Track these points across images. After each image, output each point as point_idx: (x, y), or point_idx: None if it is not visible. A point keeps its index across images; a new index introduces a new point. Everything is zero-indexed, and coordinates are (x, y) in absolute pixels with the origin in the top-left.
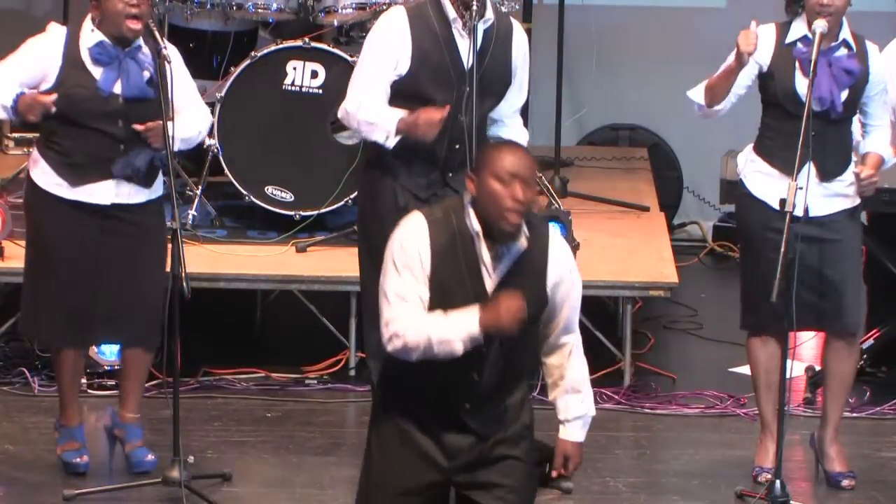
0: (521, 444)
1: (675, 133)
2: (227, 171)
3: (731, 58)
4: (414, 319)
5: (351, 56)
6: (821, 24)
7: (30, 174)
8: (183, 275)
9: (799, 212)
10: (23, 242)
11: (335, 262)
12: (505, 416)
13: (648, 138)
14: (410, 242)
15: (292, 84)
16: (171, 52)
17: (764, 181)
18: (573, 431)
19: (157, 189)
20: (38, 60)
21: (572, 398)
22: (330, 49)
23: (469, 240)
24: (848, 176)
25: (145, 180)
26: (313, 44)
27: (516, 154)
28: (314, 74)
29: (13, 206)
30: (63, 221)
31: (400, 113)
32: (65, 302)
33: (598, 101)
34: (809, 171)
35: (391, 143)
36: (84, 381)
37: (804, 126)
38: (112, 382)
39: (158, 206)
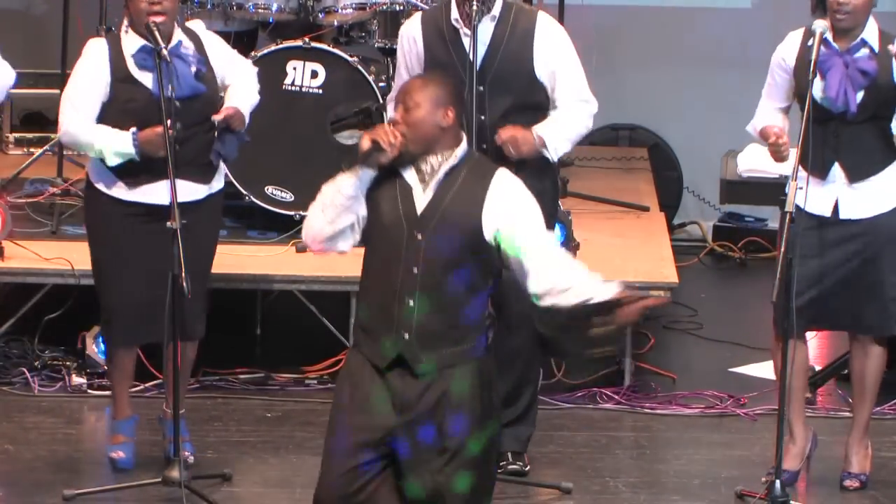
0: (468, 404)
1: (675, 133)
2: (227, 171)
3: (768, 79)
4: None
5: (351, 56)
6: (820, 25)
7: (89, 178)
8: (183, 275)
9: (828, 213)
10: (22, 242)
11: (335, 262)
12: (447, 361)
13: (648, 138)
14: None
15: (292, 84)
16: (200, 29)
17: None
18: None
19: (217, 183)
20: (94, 84)
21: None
22: (330, 49)
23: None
24: (885, 176)
25: (203, 175)
26: (313, 44)
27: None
28: (314, 74)
29: (13, 206)
30: (122, 222)
31: None
32: (126, 301)
33: (598, 101)
34: (832, 172)
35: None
36: (84, 381)
37: (804, 126)
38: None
39: (217, 201)
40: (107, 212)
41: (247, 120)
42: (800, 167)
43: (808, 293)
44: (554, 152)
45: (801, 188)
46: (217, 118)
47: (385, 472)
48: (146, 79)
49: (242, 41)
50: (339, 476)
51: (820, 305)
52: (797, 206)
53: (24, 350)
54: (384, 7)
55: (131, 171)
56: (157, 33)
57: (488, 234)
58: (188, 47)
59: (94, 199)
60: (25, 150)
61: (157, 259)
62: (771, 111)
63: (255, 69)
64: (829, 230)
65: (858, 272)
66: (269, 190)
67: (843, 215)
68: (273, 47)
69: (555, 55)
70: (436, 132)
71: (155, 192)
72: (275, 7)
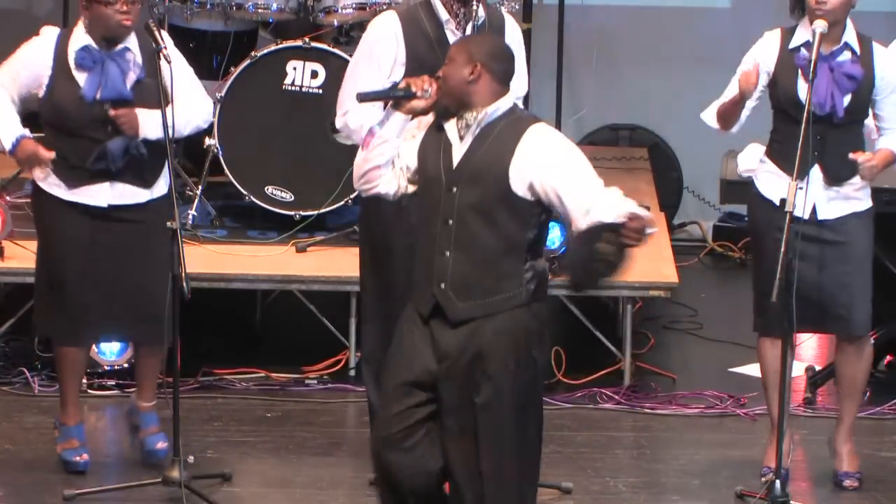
0: (501, 360)
1: (675, 133)
2: (227, 171)
3: (733, 87)
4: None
5: (351, 56)
6: (821, 25)
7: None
8: (183, 275)
9: (803, 213)
10: (22, 242)
11: (335, 262)
12: (483, 310)
13: (648, 138)
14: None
15: (292, 84)
16: (169, 44)
17: (773, 181)
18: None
19: (160, 188)
20: (30, 69)
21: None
22: (330, 49)
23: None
24: (858, 179)
25: (143, 179)
26: (313, 44)
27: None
28: (314, 74)
29: (13, 205)
30: (63, 221)
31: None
32: (66, 300)
33: (598, 101)
34: (810, 174)
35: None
36: (84, 381)
37: (804, 128)
38: (112, 382)
39: (161, 205)
40: (51, 209)
41: (146, 134)
42: (777, 165)
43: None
44: None
45: (801, 188)
46: (111, 112)
47: (433, 422)
48: (81, 78)
49: (242, 41)
50: (388, 419)
51: (804, 308)
52: (775, 205)
53: (24, 350)
54: (384, 7)
55: (69, 172)
56: (157, 33)
57: (517, 187)
58: (134, 55)
59: (39, 197)
60: None
61: (101, 261)
62: None
63: (208, 103)
64: (807, 231)
65: (839, 273)
66: (269, 190)
67: (820, 216)
68: (273, 47)
69: (520, 55)
70: (464, 87)
71: (93, 194)
72: (275, 7)
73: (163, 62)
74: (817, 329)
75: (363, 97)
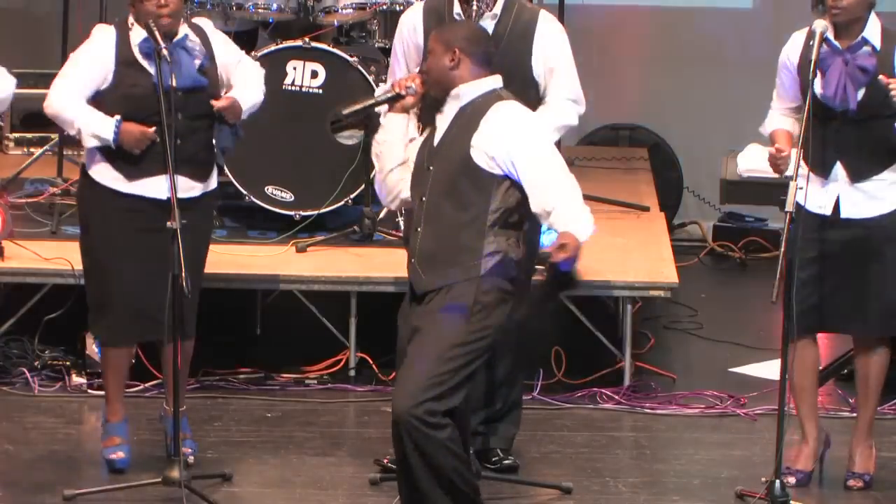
0: (433, 319)
1: (675, 133)
2: (227, 171)
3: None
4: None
5: (351, 56)
6: (821, 24)
7: (85, 169)
8: (183, 275)
9: (829, 212)
10: (23, 242)
11: (335, 262)
12: (440, 283)
13: (648, 138)
14: None
15: (292, 84)
16: (208, 27)
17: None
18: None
19: (212, 182)
20: (95, 65)
21: (564, 217)
22: (330, 49)
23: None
24: (887, 176)
25: (200, 174)
26: (313, 44)
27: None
28: (314, 74)
29: (13, 206)
30: (119, 215)
31: None
32: (116, 299)
33: (598, 101)
34: (833, 171)
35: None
36: (84, 381)
37: (804, 126)
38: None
39: (211, 201)
40: (104, 204)
41: (244, 115)
42: (802, 165)
43: (812, 296)
44: (561, 116)
45: (801, 188)
46: (215, 104)
47: None
48: (150, 66)
49: (242, 41)
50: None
51: (824, 307)
52: (798, 205)
53: (24, 350)
54: (384, 7)
55: (131, 163)
56: (157, 33)
57: (478, 158)
58: (194, 41)
59: (91, 191)
60: (25, 150)
61: (152, 256)
62: (781, 112)
63: (262, 71)
64: (830, 230)
65: (860, 273)
66: (269, 190)
67: (843, 214)
68: (273, 47)
69: (553, 54)
70: (447, 75)
71: (154, 186)
72: (275, 7)
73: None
74: (838, 329)
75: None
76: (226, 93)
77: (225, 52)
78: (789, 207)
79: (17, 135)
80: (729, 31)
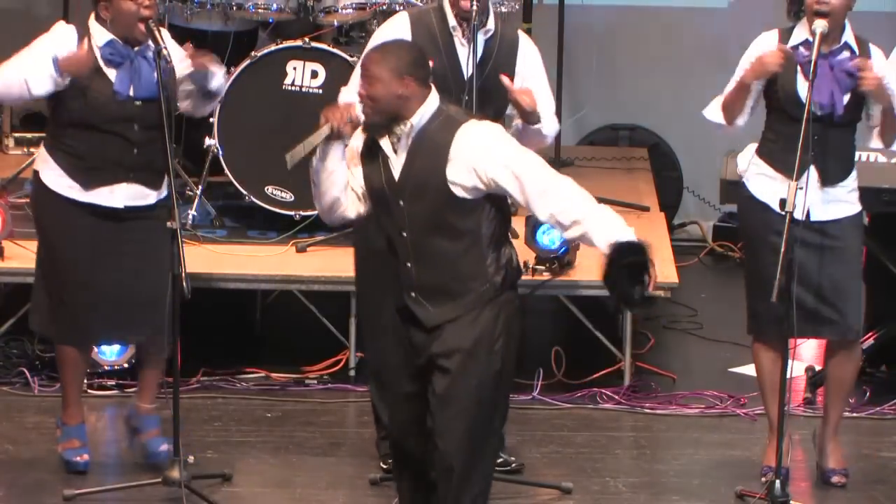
0: (458, 356)
1: (675, 133)
2: (227, 171)
3: (739, 73)
4: None
5: (351, 56)
6: (821, 24)
7: (38, 175)
8: (183, 275)
9: (799, 214)
10: (23, 242)
11: (335, 262)
12: (453, 312)
13: (648, 138)
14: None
15: (292, 84)
16: (165, 35)
17: (766, 183)
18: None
19: (164, 190)
20: (46, 57)
21: (596, 230)
22: (330, 49)
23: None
24: (849, 182)
25: (153, 181)
26: (313, 44)
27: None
28: (314, 74)
29: (13, 206)
30: (75, 223)
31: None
32: (70, 301)
33: (598, 101)
34: (809, 174)
35: None
36: (84, 380)
37: (804, 129)
38: (112, 382)
39: (163, 209)
40: (60, 210)
41: (214, 75)
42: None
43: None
44: (547, 126)
45: (801, 188)
46: (188, 51)
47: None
48: (111, 74)
49: (242, 41)
50: (400, 423)
51: (800, 312)
52: (767, 206)
53: (24, 350)
54: (384, 7)
55: (89, 172)
56: (157, 33)
57: (459, 191)
58: (150, 51)
59: (45, 196)
60: (25, 150)
61: (109, 261)
62: None
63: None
64: (802, 234)
65: (832, 276)
66: (269, 190)
67: (813, 217)
68: (273, 47)
69: (533, 73)
70: (397, 102)
71: (107, 195)
72: (275, 7)
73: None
74: (810, 333)
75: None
76: (180, 101)
77: (178, 56)
78: (789, 207)
79: (17, 135)
80: (729, 31)
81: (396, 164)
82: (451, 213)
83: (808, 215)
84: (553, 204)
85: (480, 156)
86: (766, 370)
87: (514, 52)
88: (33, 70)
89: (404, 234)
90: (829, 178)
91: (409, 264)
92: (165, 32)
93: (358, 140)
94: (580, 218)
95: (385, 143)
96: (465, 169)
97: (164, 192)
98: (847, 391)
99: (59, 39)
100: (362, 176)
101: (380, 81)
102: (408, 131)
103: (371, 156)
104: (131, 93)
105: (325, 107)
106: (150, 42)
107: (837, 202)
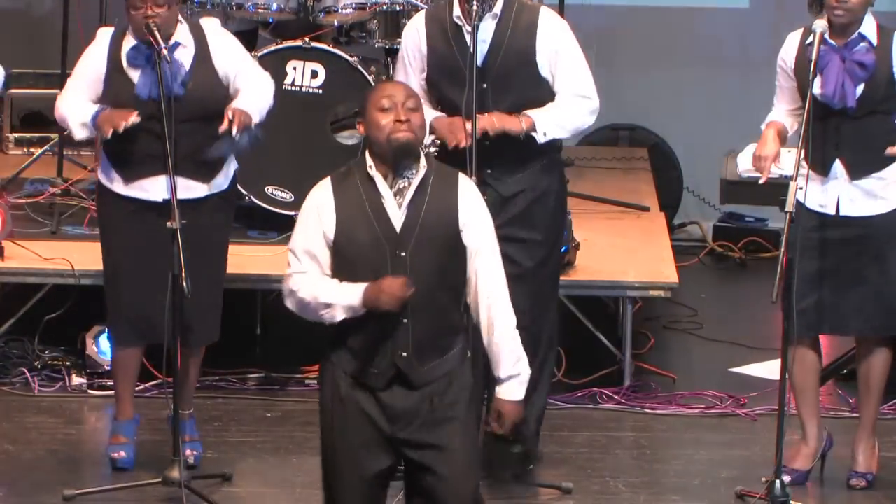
0: (459, 406)
1: (675, 133)
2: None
3: (777, 79)
4: (308, 280)
5: (351, 56)
6: (820, 24)
7: (97, 171)
8: (183, 275)
9: (831, 210)
10: (23, 242)
11: None
12: (442, 369)
13: (648, 138)
14: (314, 198)
15: (292, 84)
16: (210, 28)
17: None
18: (507, 390)
19: (220, 184)
20: (89, 71)
21: (504, 355)
22: (330, 49)
23: (369, 182)
24: (886, 174)
25: (201, 174)
26: (313, 44)
27: (392, 84)
28: (314, 74)
29: (13, 206)
30: (122, 217)
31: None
32: (123, 300)
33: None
34: (833, 169)
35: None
36: (84, 381)
37: (804, 126)
38: (112, 382)
39: (219, 201)
40: (111, 207)
41: (255, 118)
42: (801, 165)
43: (812, 295)
44: (542, 135)
45: (801, 188)
46: (223, 127)
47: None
48: (133, 75)
49: (242, 41)
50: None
51: (825, 307)
52: (800, 203)
53: (24, 350)
54: (384, 7)
55: (127, 165)
56: (157, 33)
57: (466, 239)
58: (184, 48)
59: (101, 195)
60: (25, 150)
61: (153, 259)
62: (783, 113)
63: (267, 75)
64: (831, 228)
65: (861, 272)
66: (269, 190)
67: (843, 212)
68: (273, 47)
69: (556, 50)
70: (422, 137)
71: (149, 188)
72: (275, 7)
73: (167, 62)
74: (839, 329)
75: None
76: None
77: (226, 55)
78: (789, 207)
79: (17, 135)
80: (728, 31)
81: (397, 212)
82: (453, 262)
83: (837, 209)
84: (492, 306)
85: (477, 210)
86: (795, 371)
87: (533, 30)
88: (75, 116)
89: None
90: (858, 171)
91: (405, 320)
92: (215, 25)
93: (321, 197)
94: (500, 334)
95: (384, 187)
96: (474, 221)
97: (219, 186)
98: (878, 391)
99: (98, 47)
100: (333, 233)
101: (421, 109)
102: (416, 177)
103: (352, 210)
104: (154, 93)
105: (324, 107)
106: (186, 39)
107: (872, 198)
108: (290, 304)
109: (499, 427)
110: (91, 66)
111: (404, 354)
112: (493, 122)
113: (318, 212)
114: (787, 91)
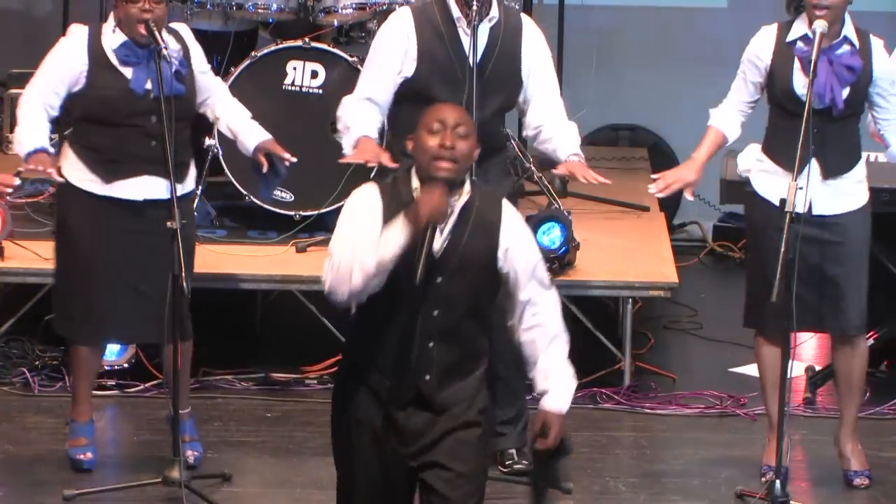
0: (473, 429)
1: (675, 133)
2: (227, 171)
3: (740, 72)
4: (348, 245)
5: (351, 56)
6: (821, 24)
7: (61, 171)
8: (183, 274)
9: (801, 209)
10: (23, 242)
11: None
12: (462, 394)
13: (648, 138)
14: (363, 197)
15: (292, 84)
16: (186, 34)
17: (769, 179)
18: (554, 399)
19: (190, 184)
20: (65, 66)
21: (555, 370)
22: (330, 49)
23: (413, 201)
24: (854, 174)
25: (177, 175)
26: (313, 44)
27: (447, 107)
28: (314, 74)
29: (13, 206)
30: (95, 217)
31: (364, 129)
32: (89, 299)
33: (598, 101)
34: (810, 169)
35: (347, 151)
36: (95, 379)
37: (804, 126)
38: (112, 382)
39: (188, 203)
40: (81, 205)
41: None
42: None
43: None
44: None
45: (800, 188)
46: (284, 163)
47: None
48: (127, 72)
49: (242, 41)
50: None
51: (800, 307)
52: (769, 202)
53: (24, 350)
54: (384, 7)
55: (107, 166)
56: (156, 33)
57: (503, 267)
58: (173, 49)
59: (66, 195)
60: None
61: (126, 258)
62: (736, 106)
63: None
64: (805, 229)
65: (835, 271)
66: None
67: (815, 211)
68: (273, 47)
69: (539, 55)
70: (470, 165)
71: (129, 188)
72: (275, 7)
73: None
74: (814, 328)
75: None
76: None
77: (199, 62)
78: (789, 207)
79: None
80: (728, 31)
81: (438, 238)
82: (487, 291)
83: (810, 209)
84: (538, 315)
85: (525, 245)
86: (767, 366)
87: (519, 36)
88: (26, 132)
89: (435, 314)
90: (832, 171)
91: (430, 344)
92: (189, 32)
93: (371, 198)
94: (556, 353)
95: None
96: (517, 254)
97: (188, 186)
98: (856, 388)
99: (73, 44)
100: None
101: (467, 138)
102: (460, 201)
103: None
104: (148, 86)
105: (324, 107)
106: (171, 41)
107: (842, 195)
108: (327, 274)
109: (544, 441)
110: (66, 62)
111: (427, 378)
112: (585, 169)
113: (370, 211)
114: (752, 85)
